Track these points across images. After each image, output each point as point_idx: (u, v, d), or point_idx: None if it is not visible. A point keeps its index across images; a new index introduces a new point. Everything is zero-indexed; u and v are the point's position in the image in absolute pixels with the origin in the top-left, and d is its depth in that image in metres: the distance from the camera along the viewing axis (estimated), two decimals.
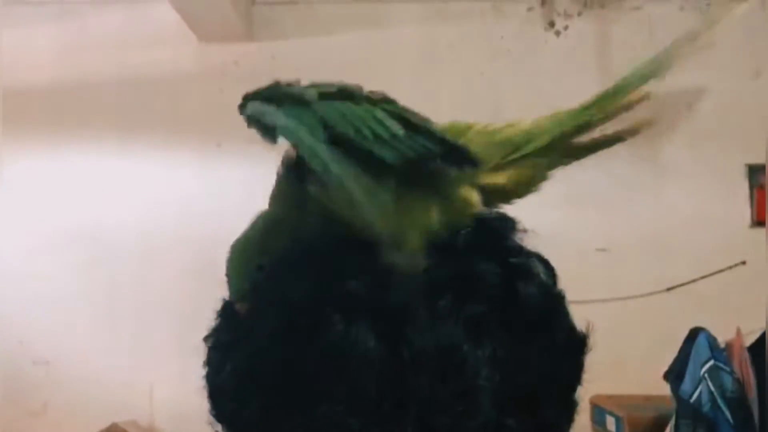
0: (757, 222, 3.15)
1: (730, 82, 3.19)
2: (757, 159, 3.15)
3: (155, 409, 3.18)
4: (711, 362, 1.93)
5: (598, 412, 2.78)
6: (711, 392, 1.90)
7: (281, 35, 3.33)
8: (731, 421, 1.86)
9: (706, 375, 1.91)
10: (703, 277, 2.99)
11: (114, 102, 3.34)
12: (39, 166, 3.32)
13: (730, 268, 3.04)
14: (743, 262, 3.05)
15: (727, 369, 1.94)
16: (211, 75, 3.31)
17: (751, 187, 3.19)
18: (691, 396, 1.90)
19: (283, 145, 0.47)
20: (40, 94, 3.33)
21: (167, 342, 3.21)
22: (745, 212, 3.16)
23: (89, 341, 3.22)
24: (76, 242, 3.26)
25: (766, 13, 3.21)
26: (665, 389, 2.20)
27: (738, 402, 1.90)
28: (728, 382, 1.93)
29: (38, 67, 3.37)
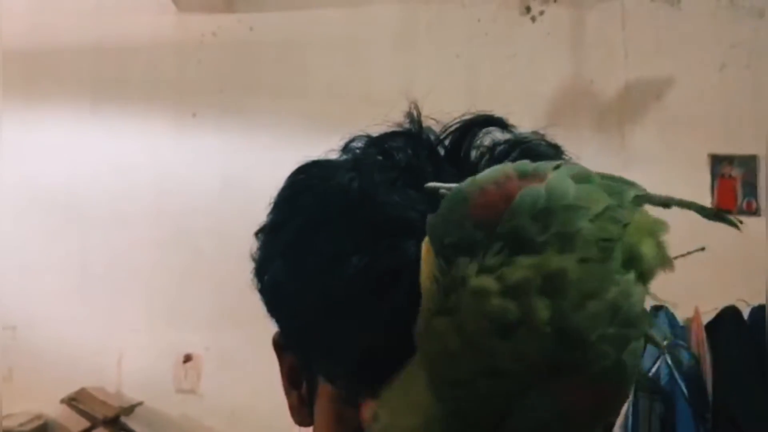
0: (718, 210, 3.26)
1: (697, 74, 3.28)
2: (720, 149, 3.26)
3: (123, 377, 3.20)
4: (669, 339, 2.03)
5: None
6: (669, 367, 1.99)
7: (261, 7, 3.33)
8: (686, 394, 1.96)
9: (664, 350, 2.00)
10: None
11: (90, 69, 3.31)
12: (11, 132, 3.28)
13: (691, 253, 3.15)
14: (703, 248, 3.16)
15: (685, 345, 2.04)
16: (188, 45, 3.30)
17: (713, 176, 3.29)
18: (649, 370, 1.99)
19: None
20: (15, 58, 3.28)
21: (137, 310, 3.23)
22: (706, 200, 3.26)
23: (57, 308, 3.22)
24: (47, 208, 3.25)
25: (732, 9, 3.29)
26: None
27: (694, 376, 2.00)
28: (685, 357, 2.03)
29: (13, 32, 3.31)
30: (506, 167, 0.42)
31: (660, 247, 0.41)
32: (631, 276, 0.38)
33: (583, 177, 0.41)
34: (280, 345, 0.52)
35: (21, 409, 3.09)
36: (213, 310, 3.10)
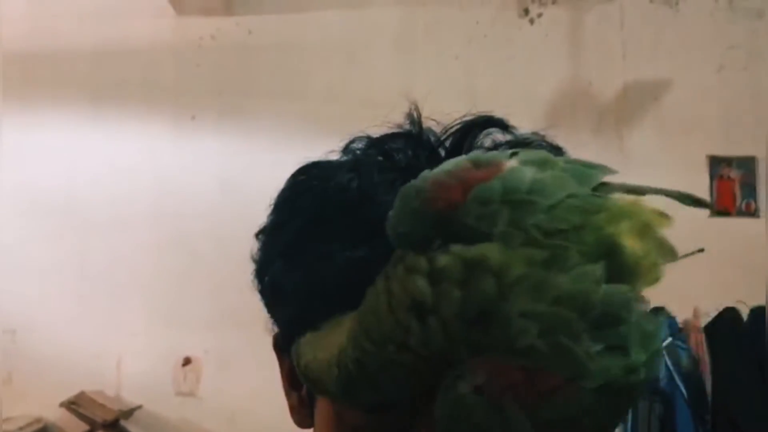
0: (717, 212, 3.26)
1: (695, 76, 3.29)
2: (719, 151, 3.26)
3: (122, 381, 3.20)
4: (669, 339, 2.03)
5: None
6: (668, 368, 1.99)
7: (259, 10, 3.33)
8: (686, 395, 1.96)
9: (663, 352, 2.01)
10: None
11: (89, 72, 3.31)
12: (10, 135, 3.28)
13: (690, 254, 3.15)
14: (702, 249, 3.16)
15: (684, 346, 2.04)
16: (187, 48, 3.30)
17: (712, 178, 3.29)
18: None
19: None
20: (14, 62, 3.29)
21: (136, 313, 3.23)
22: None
23: (57, 312, 3.21)
24: (46, 212, 3.25)
25: (730, 11, 3.30)
26: None
27: (693, 378, 2.00)
28: (685, 358, 2.03)
29: (12, 36, 3.32)
30: (461, 159, 0.43)
31: (649, 236, 0.41)
32: (594, 266, 0.38)
33: (544, 163, 0.42)
34: (280, 346, 0.52)
35: (20, 413, 3.09)
36: (212, 312, 3.10)
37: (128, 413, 3.09)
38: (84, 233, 3.24)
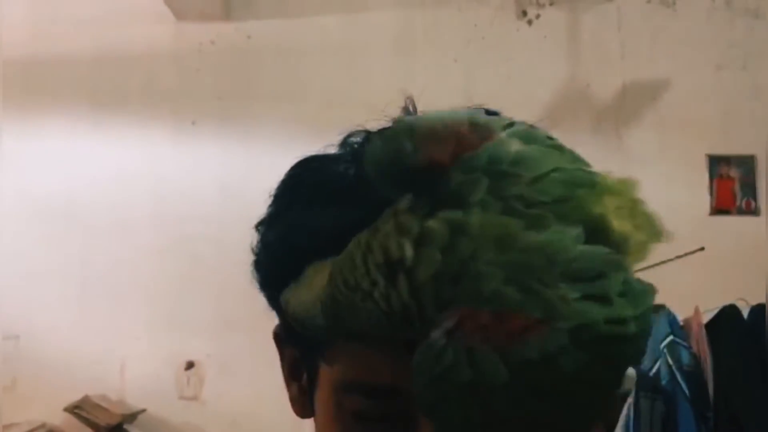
0: (716, 210, 3.26)
1: (693, 75, 3.30)
2: (718, 150, 3.27)
3: (126, 385, 3.20)
4: (670, 338, 2.02)
5: None
6: (669, 366, 1.99)
7: (258, 15, 3.34)
8: (687, 393, 1.96)
9: (665, 350, 2.00)
10: (663, 262, 3.10)
11: (89, 79, 3.32)
12: (12, 141, 3.29)
13: (690, 253, 3.16)
14: (702, 248, 3.17)
15: (685, 345, 2.04)
16: (187, 54, 3.31)
17: (711, 177, 3.30)
18: (650, 370, 1.99)
19: None
20: (14, 69, 3.30)
21: (138, 318, 3.23)
22: (705, 201, 3.27)
23: (60, 317, 3.22)
24: (47, 218, 3.25)
25: (728, 10, 3.31)
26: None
27: (694, 376, 2.00)
28: (686, 356, 2.03)
29: (12, 43, 3.33)
30: (460, 113, 0.44)
31: (637, 215, 0.42)
32: (572, 228, 0.39)
33: (533, 138, 0.43)
34: (280, 337, 0.53)
35: (24, 418, 3.09)
36: (214, 316, 3.11)
37: (132, 417, 3.09)
38: (86, 238, 3.25)
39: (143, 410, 3.15)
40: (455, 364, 0.37)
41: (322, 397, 0.48)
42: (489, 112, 0.50)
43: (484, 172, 0.40)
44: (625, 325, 0.38)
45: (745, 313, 2.18)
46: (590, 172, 0.44)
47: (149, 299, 3.23)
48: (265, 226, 0.52)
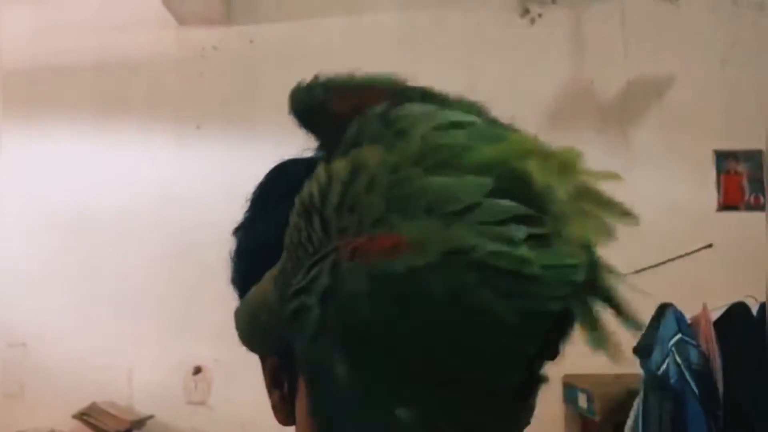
0: (724, 206, 3.24)
1: (698, 71, 3.28)
2: (725, 145, 3.25)
3: (134, 391, 3.20)
4: (678, 336, 2.01)
5: (570, 390, 2.87)
6: (678, 365, 1.98)
7: (260, 19, 3.35)
8: (696, 392, 1.95)
9: (673, 348, 1.99)
10: (671, 260, 3.09)
11: (93, 85, 3.33)
12: (18, 149, 3.30)
13: (698, 250, 3.14)
14: (710, 245, 3.15)
15: (694, 343, 2.03)
16: (190, 59, 3.31)
17: (719, 173, 3.28)
18: (658, 369, 1.98)
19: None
20: (18, 76, 3.31)
21: (145, 324, 3.23)
22: (712, 197, 3.26)
23: (67, 324, 3.22)
24: (54, 225, 3.26)
25: (732, 5, 3.29)
26: (635, 368, 2.29)
27: (703, 374, 1.99)
28: (694, 355, 2.02)
29: (16, 50, 3.34)
30: (384, 78, 0.48)
31: (564, 174, 0.41)
32: (479, 180, 0.39)
33: (448, 104, 0.46)
34: None
35: (33, 426, 3.09)
36: (221, 321, 3.06)
37: (140, 423, 3.09)
38: (92, 245, 3.25)
39: (151, 416, 3.15)
40: (318, 276, 0.39)
41: (302, 404, 0.48)
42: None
43: (381, 116, 0.43)
44: (523, 262, 0.38)
45: (754, 311, 2.17)
46: (505, 128, 0.44)
47: (156, 305, 3.24)
48: (241, 231, 0.53)
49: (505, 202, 0.39)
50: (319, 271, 0.39)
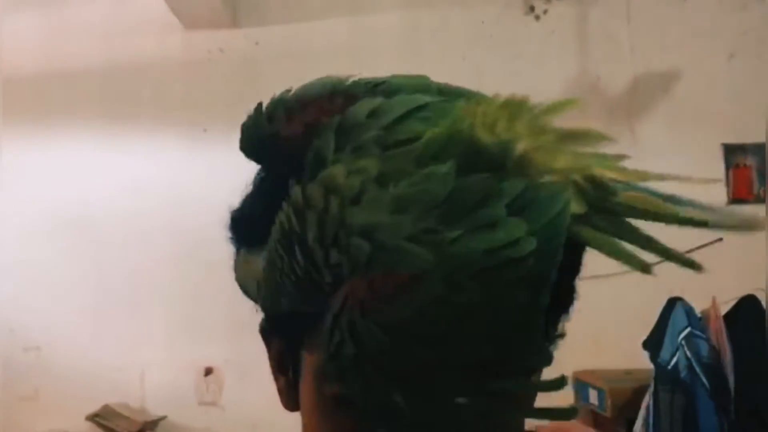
0: (733, 200, 3.23)
1: (705, 65, 3.27)
2: (733, 139, 3.24)
3: (146, 392, 3.22)
4: (688, 330, 2.01)
5: (581, 387, 2.86)
6: (688, 359, 1.97)
7: (265, 22, 3.36)
8: (707, 385, 1.94)
9: (683, 342, 1.99)
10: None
11: (100, 89, 3.35)
12: (28, 154, 3.32)
13: (708, 244, 3.13)
14: (720, 239, 3.14)
15: (704, 336, 2.02)
16: (196, 62, 3.33)
17: (727, 166, 3.26)
18: (668, 363, 1.97)
19: None
20: (28, 81, 3.34)
21: (156, 326, 3.25)
22: (722, 190, 3.24)
23: (80, 327, 3.25)
24: (65, 229, 3.28)
25: None
26: (645, 363, 2.28)
27: (713, 368, 1.98)
28: (704, 349, 2.01)
29: (25, 55, 3.36)
30: (326, 82, 0.47)
31: (515, 120, 0.41)
32: (437, 166, 0.39)
33: (402, 89, 0.45)
34: (267, 331, 0.54)
35: (47, 428, 3.12)
36: (231, 322, 3.11)
37: (153, 424, 3.11)
38: (102, 249, 3.27)
39: (164, 417, 3.17)
40: (342, 341, 0.39)
41: (305, 386, 0.49)
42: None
43: (335, 131, 0.42)
44: (516, 246, 0.38)
45: (765, 304, 2.16)
46: (451, 102, 0.44)
47: (167, 307, 3.25)
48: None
49: (473, 180, 0.39)
50: (341, 337, 0.39)
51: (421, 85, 0.46)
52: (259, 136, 0.47)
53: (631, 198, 0.42)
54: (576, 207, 0.40)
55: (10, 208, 3.30)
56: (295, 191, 0.43)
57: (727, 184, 3.25)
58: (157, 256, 3.24)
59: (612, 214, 0.41)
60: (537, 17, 3.35)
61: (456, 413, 0.40)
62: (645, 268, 0.41)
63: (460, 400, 0.40)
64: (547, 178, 0.40)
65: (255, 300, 0.49)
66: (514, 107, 0.42)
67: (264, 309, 0.48)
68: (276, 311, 0.47)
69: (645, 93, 3.29)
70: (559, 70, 3.29)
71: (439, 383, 0.39)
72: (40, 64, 3.36)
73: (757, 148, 3.21)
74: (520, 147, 0.40)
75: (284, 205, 0.43)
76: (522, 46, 3.32)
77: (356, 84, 0.46)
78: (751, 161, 3.24)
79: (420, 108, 0.42)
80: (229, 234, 0.54)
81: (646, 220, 0.42)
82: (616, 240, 0.41)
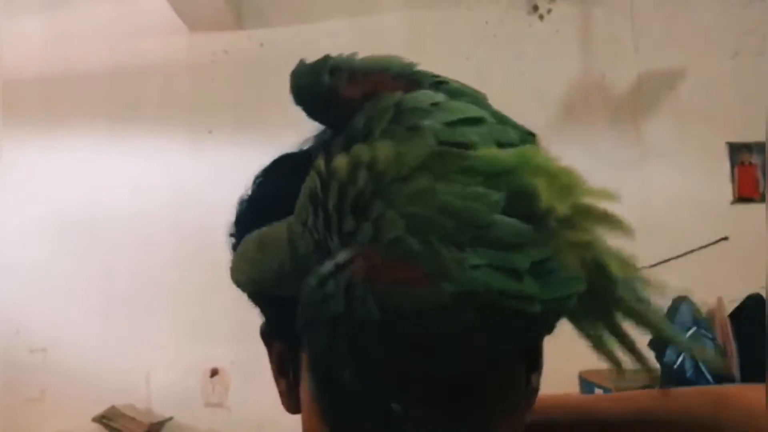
0: (739, 198, 3.22)
1: (710, 63, 3.26)
2: (738, 137, 3.23)
3: (152, 394, 3.23)
4: (694, 329, 2.01)
5: (587, 386, 2.86)
6: (694, 358, 1.97)
7: (270, 23, 3.36)
8: (713, 385, 1.94)
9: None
10: (686, 253, 3.07)
11: (106, 92, 3.36)
12: (33, 157, 3.34)
13: (713, 243, 3.12)
14: (725, 238, 3.13)
15: (709, 336, 2.02)
16: (201, 64, 3.34)
17: (732, 165, 3.26)
18: (675, 363, 1.97)
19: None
20: (33, 84, 3.35)
21: (162, 327, 3.26)
22: (727, 189, 3.24)
23: (85, 329, 3.26)
24: (70, 231, 3.29)
25: None
26: (651, 363, 2.27)
27: (720, 367, 1.98)
28: (710, 348, 2.01)
29: (30, 58, 3.38)
30: (389, 61, 0.46)
31: (568, 193, 0.41)
32: (491, 191, 0.39)
33: (461, 95, 0.44)
34: (267, 334, 0.54)
35: (53, 429, 3.13)
36: (237, 323, 3.10)
37: (159, 425, 3.12)
38: (108, 251, 3.28)
39: (170, 418, 3.17)
40: (333, 295, 0.39)
41: (305, 386, 0.49)
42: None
43: (395, 105, 0.41)
44: (527, 301, 0.38)
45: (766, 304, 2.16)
46: (526, 147, 0.43)
47: (173, 309, 3.26)
48: (241, 228, 0.53)
49: (516, 225, 0.39)
50: (335, 290, 0.39)
51: (478, 99, 0.45)
52: (316, 87, 0.45)
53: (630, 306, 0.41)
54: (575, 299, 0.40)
55: (16, 210, 3.32)
56: (320, 159, 0.42)
57: (733, 183, 3.24)
58: (163, 258, 3.25)
59: (606, 304, 0.41)
60: (541, 17, 3.34)
61: (398, 417, 0.41)
62: (619, 370, 0.42)
63: (394, 406, 0.41)
64: (569, 254, 0.40)
65: (257, 285, 0.48)
66: (569, 181, 0.42)
67: (265, 284, 0.47)
68: (280, 286, 0.46)
69: (649, 92, 3.28)
70: (563, 69, 3.29)
71: (391, 380, 0.40)
72: (45, 66, 3.37)
73: (762, 147, 3.20)
74: (561, 218, 0.40)
75: (310, 172, 0.43)
76: (526, 46, 3.32)
77: (421, 73, 0.46)
78: (756, 159, 3.23)
79: (478, 120, 0.42)
80: (238, 224, 0.53)
81: (636, 324, 0.42)
82: (600, 329, 0.42)
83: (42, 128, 3.35)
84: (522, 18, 3.34)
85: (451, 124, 0.41)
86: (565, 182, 0.41)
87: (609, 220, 0.41)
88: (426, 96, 0.43)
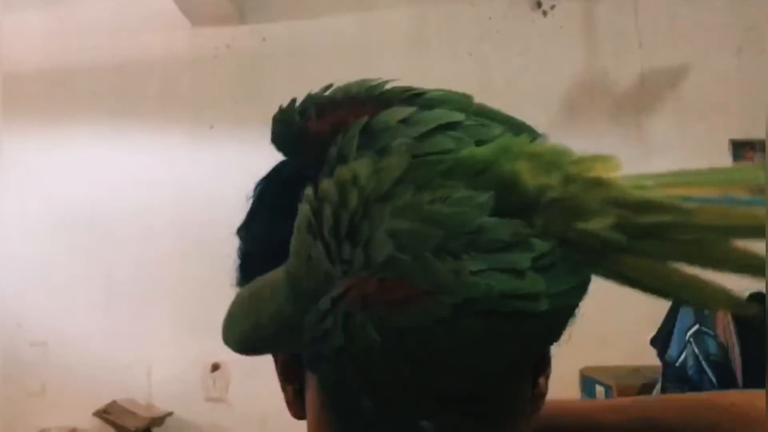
0: None
1: (713, 60, 3.25)
2: (741, 134, 3.22)
3: (153, 388, 3.23)
4: (696, 327, 2.00)
5: (588, 383, 2.86)
6: (696, 356, 1.97)
7: (272, 18, 3.36)
8: (715, 383, 1.94)
9: (691, 339, 1.98)
10: None
11: (107, 86, 3.36)
12: (35, 151, 3.34)
13: None
14: None
15: (712, 333, 2.01)
16: (203, 58, 3.33)
17: (735, 162, 3.25)
18: (676, 360, 1.97)
19: None
20: (33, 78, 3.35)
21: (163, 322, 3.26)
22: None
23: (87, 323, 3.26)
24: (72, 226, 3.29)
25: None
26: (653, 360, 2.27)
27: (722, 365, 1.98)
28: (712, 346, 2.00)
29: (31, 52, 3.37)
30: (363, 85, 0.46)
31: (554, 169, 0.40)
32: (476, 193, 0.39)
33: (437, 104, 0.44)
34: None
35: (54, 424, 3.14)
36: None
37: (160, 420, 3.12)
38: (109, 245, 3.29)
39: (171, 413, 3.18)
40: (332, 329, 0.39)
41: (310, 398, 0.49)
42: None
43: (360, 130, 0.42)
44: (533, 300, 0.37)
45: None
46: (489, 126, 0.43)
47: (173, 303, 3.26)
48: (243, 231, 0.53)
49: (508, 222, 0.38)
50: (333, 324, 0.39)
51: (461, 103, 0.45)
52: (288, 130, 0.46)
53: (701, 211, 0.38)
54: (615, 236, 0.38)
55: (17, 205, 3.32)
56: (308, 188, 0.42)
57: None
58: (164, 252, 3.25)
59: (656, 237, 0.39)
60: (544, 13, 3.33)
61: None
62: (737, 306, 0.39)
63: (424, 423, 0.41)
64: (580, 227, 0.39)
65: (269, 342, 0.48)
66: (558, 155, 0.41)
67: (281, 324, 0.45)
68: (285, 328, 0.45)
69: (653, 88, 3.27)
70: (567, 65, 3.28)
71: (409, 400, 0.40)
72: (46, 60, 3.37)
73: (765, 145, 3.19)
74: (551, 195, 0.40)
75: (304, 197, 0.42)
76: (529, 42, 3.31)
77: (391, 91, 0.45)
78: (759, 157, 3.23)
79: (452, 125, 0.42)
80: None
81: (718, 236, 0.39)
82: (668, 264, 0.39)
83: (43, 122, 3.34)
84: (525, 14, 3.33)
85: (423, 136, 0.41)
86: (550, 158, 0.41)
87: (602, 183, 0.40)
88: (393, 114, 0.43)
